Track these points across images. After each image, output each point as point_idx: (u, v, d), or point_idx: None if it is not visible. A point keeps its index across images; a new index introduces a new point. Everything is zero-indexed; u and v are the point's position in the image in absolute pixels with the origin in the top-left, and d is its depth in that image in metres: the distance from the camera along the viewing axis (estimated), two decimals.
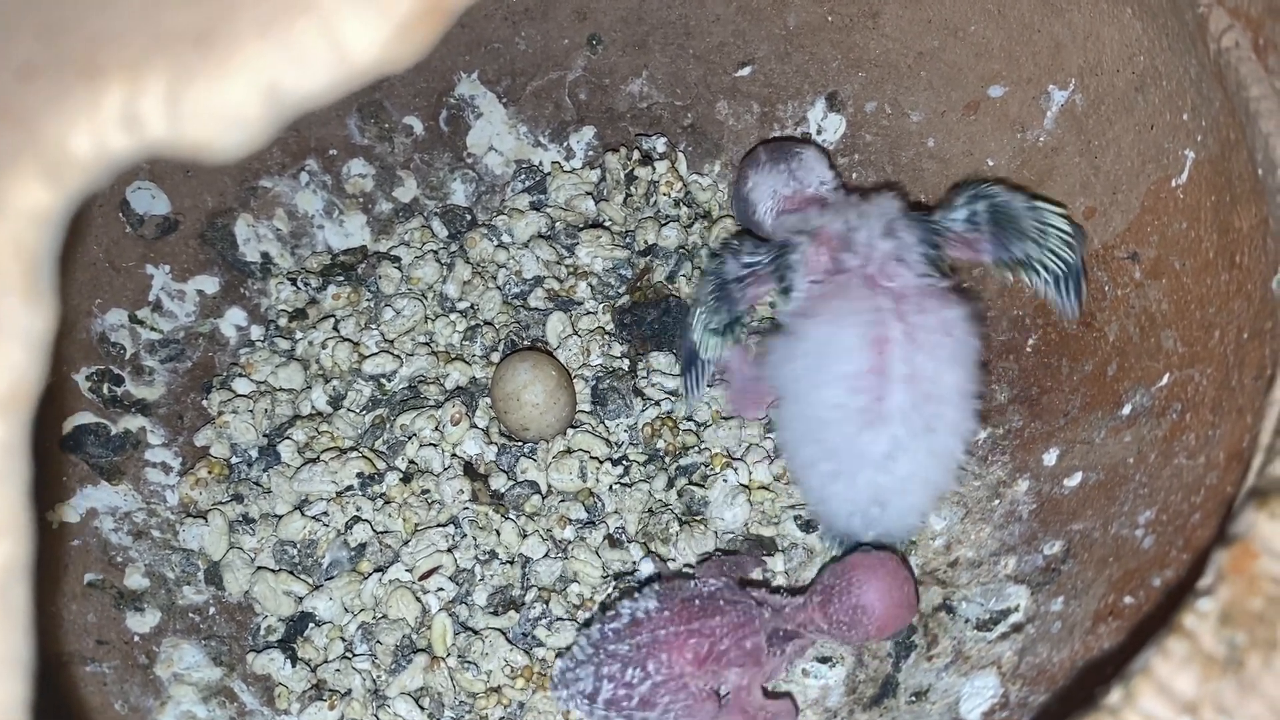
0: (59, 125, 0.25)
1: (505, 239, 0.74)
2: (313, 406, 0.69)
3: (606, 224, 0.75)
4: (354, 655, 0.62)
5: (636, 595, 0.59)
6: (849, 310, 0.57)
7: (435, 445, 0.67)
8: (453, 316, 0.72)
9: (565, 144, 0.77)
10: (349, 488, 0.66)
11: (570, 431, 0.67)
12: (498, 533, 0.64)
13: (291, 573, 0.64)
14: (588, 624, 0.61)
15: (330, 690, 0.61)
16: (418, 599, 0.62)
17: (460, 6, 0.26)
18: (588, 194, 0.76)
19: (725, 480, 0.65)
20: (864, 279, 0.59)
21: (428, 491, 0.65)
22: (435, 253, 0.74)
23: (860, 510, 0.58)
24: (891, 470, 0.56)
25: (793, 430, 0.61)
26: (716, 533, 0.64)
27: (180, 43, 0.24)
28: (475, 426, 0.67)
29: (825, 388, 0.57)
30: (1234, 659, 0.33)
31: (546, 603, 0.62)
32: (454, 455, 0.67)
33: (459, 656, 0.61)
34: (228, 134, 0.24)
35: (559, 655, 0.59)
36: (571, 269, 0.73)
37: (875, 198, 0.63)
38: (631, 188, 0.75)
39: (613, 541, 0.64)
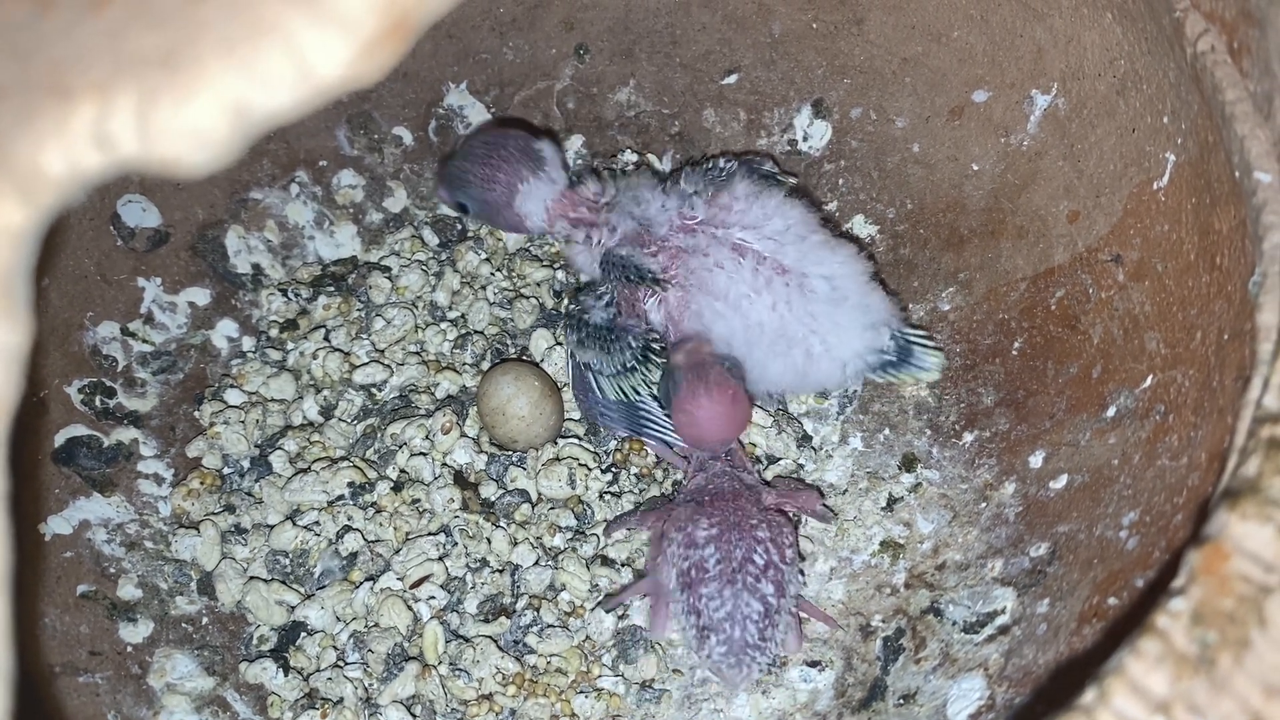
0: (30, 144, 0.25)
1: (493, 249, 0.75)
2: (304, 417, 0.69)
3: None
4: (346, 664, 0.62)
5: (652, 563, 0.61)
6: (699, 267, 0.63)
7: (426, 454, 0.67)
8: (443, 325, 0.72)
9: None
10: (340, 497, 0.66)
11: (560, 441, 0.68)
12: (488, 541, 0.64)
13: (283, 582, 0.64)
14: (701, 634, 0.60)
15: (322, 699, 0.61)
16: (409, 607, 0.63)
17: (424, 24, 0.26)
18: None
19: None
20: (680, 231, 0.64)
21: (418, 500, 0.66)
22: (423, 263, 0.74)
23: (846, 354, 0.64)
24: (827, 313, 0.63)
25: (760, 370, 0.64)
26: None
27: (147, 63, 0.24)
28: (465, 435, 0.68)
29: (748, 316, 0.63)
30: (1206, 658, 0.33)
31: (537, 610, 0.63)
32: (444, 464, 0.67)
33: (450, 664, 0.61)
34: (196, 151, 0.25)
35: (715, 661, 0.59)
36: (561, 282, 0.74)
37: (632, 178, 0.69)
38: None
39: (605, 560, 0.64)
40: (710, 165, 0.68)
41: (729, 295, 0.63)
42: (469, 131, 0.76)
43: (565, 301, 0.73)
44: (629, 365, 0.65)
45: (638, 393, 0.65)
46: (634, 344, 0.65)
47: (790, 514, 0.64)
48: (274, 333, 0.72)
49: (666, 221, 0.65)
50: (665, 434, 0.66)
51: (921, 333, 0.67)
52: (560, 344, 0.71)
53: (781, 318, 0.62)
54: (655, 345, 0.65)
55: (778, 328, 0.63)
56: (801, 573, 0.62)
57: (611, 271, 0.66)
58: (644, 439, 0.67)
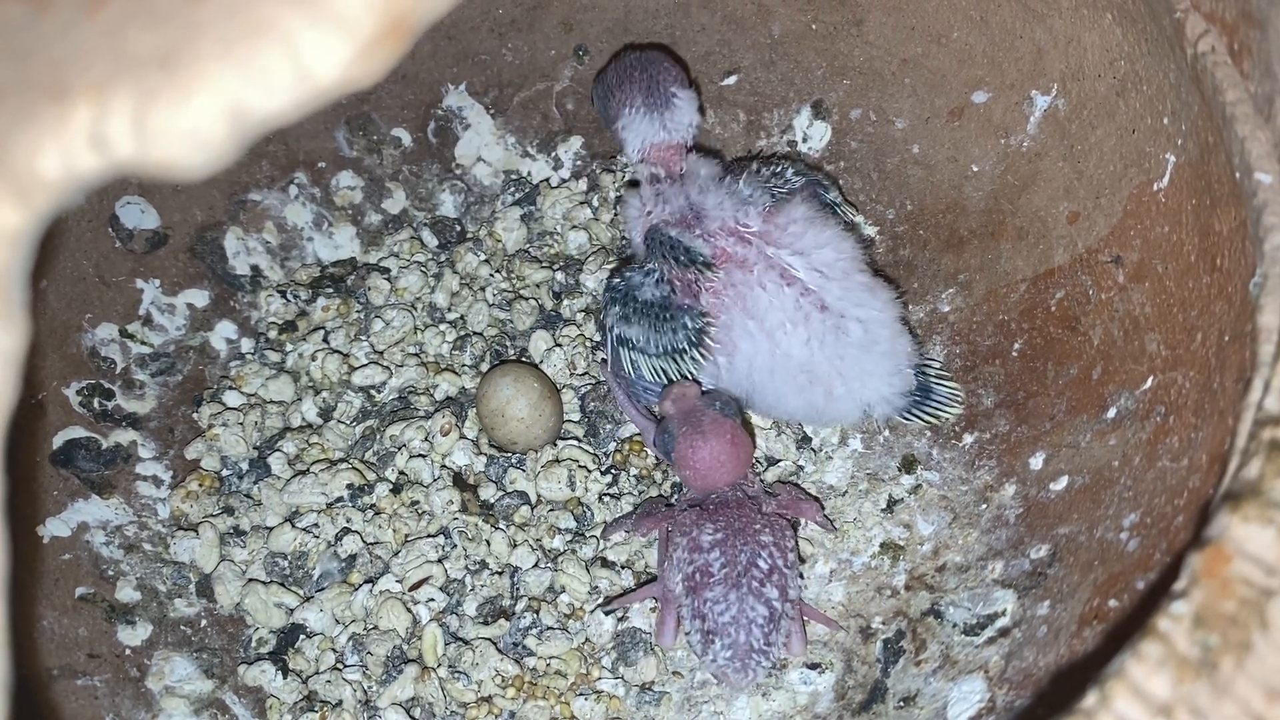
0: (27, 146, 0.25)
1: (493, 250, 0.75)
2: (303, 418, 0.69)
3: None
4: (345, 666, 0.62)
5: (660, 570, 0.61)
6: (741, 281, 0.62)
7: (425, 456, 0.67)
8: (442, 327, 0.72)
9: (553, 154, 0.78)
10: (339, 499, 0.66)
11: (559, 443, 0.67)
12: (488, 543, 0.64)
13: (282, 584, 0.64)
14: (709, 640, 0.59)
15: (321, 701, 0.61)
16: (408, 610, 0.62)
17: (423, 24, 0.26)
18: (581, 203, 0.76)
19: None
20: (731, 235, 0.63)
21: (417, 502, 0.66)
22: (422, 264, 0.74)
23: (871, 398, 0.63)
24: (858, 356, 0.62)
25: (776, 399, 0.64)
26: None
27: (145, 64, 0.24)
28: (464, 437, 0.67)
29: (779, 344, 0.62)
30: (1208, 661, 0.33)
31: (536, 612, 0.63)
32: (443, 466, 0.67)
33: (449, 666, 0.61)
34: (193, 154, 0.25)
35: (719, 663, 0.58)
36: (561, 284, 0.74)
37: (696, 163, 0.67)
38: (619, 207, 0.75)
39: (605, 562, 0.64)
40: (776, 170, 0.66)
41: (766, 319, 0.61)
42: (639, 46, 0.74)
43: (601, 277, 0.72)
44: (679, 347, 0.62)
45: (684, 376, 0.63)
46: (690, 325, 0.62)
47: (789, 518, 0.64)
48: (273, 334, 0.72)
49: (719, 220, 0.63)
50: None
51: (937, 365, 0.66)
52: (560, 345, 0.70)
53: (812, 354, 0.61)
54: (711, 329, 0.62)
55: (805, 362, 0.62)
56: (801, 575, 0.62)
57: (659, 249, 0.64)
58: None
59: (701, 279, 0.62)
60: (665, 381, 0.64)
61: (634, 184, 0.70)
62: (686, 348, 0.62)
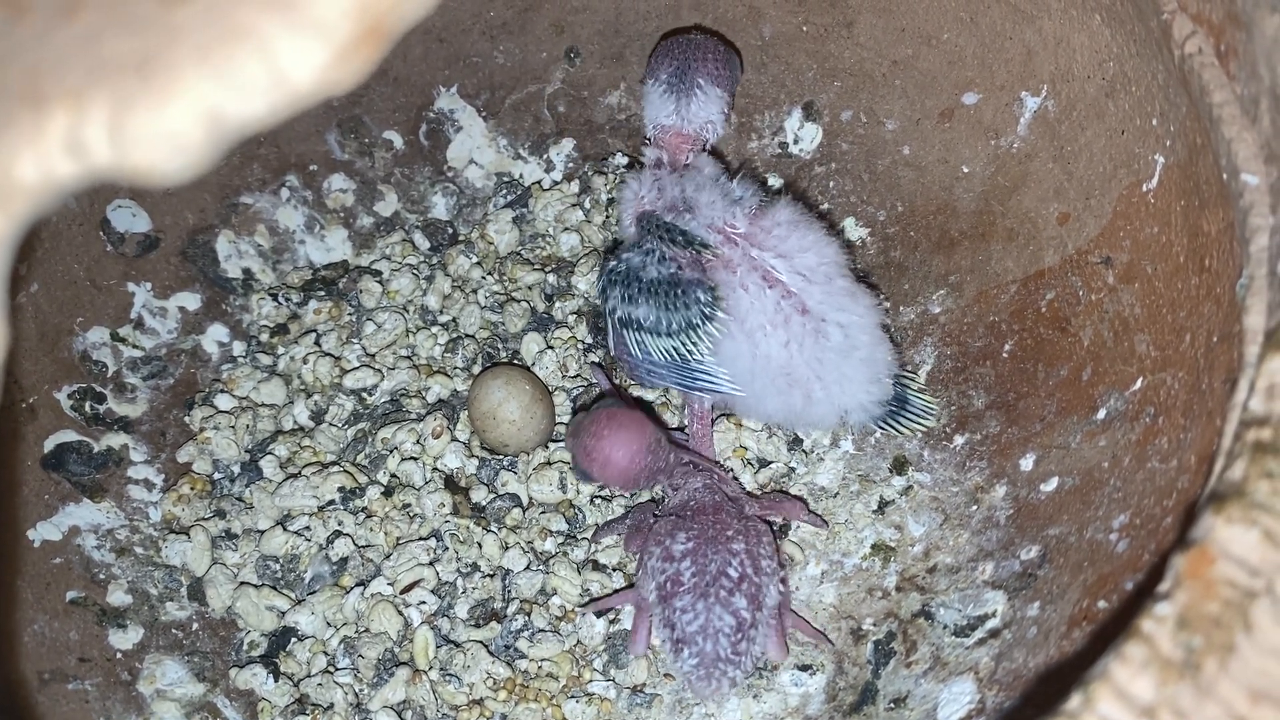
0: (3, 153, 0.25)
1: (484, 253, 0.75)
2: (294, 421, 0.69)
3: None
4: (336, 669, 0.62)
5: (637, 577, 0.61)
6: (724, 281, 0.62)
7: (416, 459, 0.67)
8: (434, 329, 0.72)
9: (545, 156, 0.78)
10: (330, 502, 0.66)
11: (551, 445, 0.67)
12: (479, 545, 0.64)
13: (274, 588, 0.64)
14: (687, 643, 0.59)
15: (313, 705, 0.61)
16: (400, 613, 0.62)
17: (401, 29, 0.26)
18: (573, 205, 0.76)
19: None
20: (715, 234, 0.63)
21: (409, 505, 0.66)
22: (414, 267, 0.74)
23: (849, 404, 0.63)
24: (840, 356, 0.62)
25: (756, 400, 0.64)
26: None
27: (121, 70, 0.24)
28: (456, 440, 0.67)
29: (759, 346, 0.62)
30: (1191, 663, 0.33)
31: (528, 615, 0.63)
32: (435, 469, 0.67)
33: (441, 669, 0.61)
34: (171, 159, 0.25)
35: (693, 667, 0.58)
36: (552, 286, 0.74)
37: (703, 160, 0.67)
38: (611, 210, 0.75)
39: (596, 565, 0.64)
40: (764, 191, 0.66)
41: (746, 320, 0.61)
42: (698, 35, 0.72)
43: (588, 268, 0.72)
44: (694, 323, 0.62)
45: (697, 356, 0.62)
46: (703, 298, 0.61)
47: (776, 522, 0.64)
48: (264, 337, 0.72)
49: (709, 218, 0.63)
50: (718, 385, 0.63)
51: (919, 381, 0.67)
52: (552, 348, 0.70)
53: (791, 356, 0.61)
54: (723, 302, 0.62)
55: (784, 365, 0.62)
56: (784, 581, 0.61)
57: (654, 233, 0.63)
58: (693, 394, 0.65)
59: (702, 257, 0.62)
60: (677, 363, 0.63)
61: (631, 166, 0.70)
62: (700, 323, 0.62)
